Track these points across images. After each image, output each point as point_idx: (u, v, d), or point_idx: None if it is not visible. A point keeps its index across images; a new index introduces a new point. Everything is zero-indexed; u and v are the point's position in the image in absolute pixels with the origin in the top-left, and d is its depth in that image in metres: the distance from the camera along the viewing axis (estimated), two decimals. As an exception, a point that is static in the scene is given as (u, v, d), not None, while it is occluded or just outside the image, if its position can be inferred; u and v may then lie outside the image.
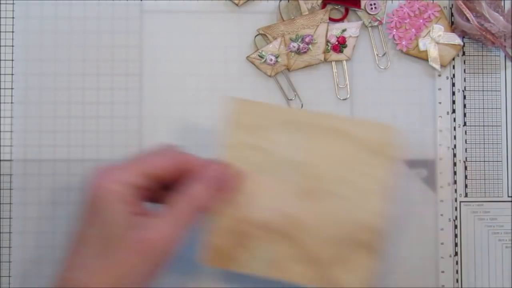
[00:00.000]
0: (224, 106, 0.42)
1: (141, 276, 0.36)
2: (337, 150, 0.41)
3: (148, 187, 0.38)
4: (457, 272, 0.50)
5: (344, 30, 0.50)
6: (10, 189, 0.49)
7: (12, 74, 0.49)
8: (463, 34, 0.50)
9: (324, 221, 0.41)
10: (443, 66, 0.50)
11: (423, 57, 0.50)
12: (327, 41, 0.50)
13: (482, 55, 0.51)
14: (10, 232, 0.49)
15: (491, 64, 0.51)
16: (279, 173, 0.41)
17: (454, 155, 0.51)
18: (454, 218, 0.50)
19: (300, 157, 0.41)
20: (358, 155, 0.41)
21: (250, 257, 0.41)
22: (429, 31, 0.50)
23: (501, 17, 0.48)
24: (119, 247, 0.36)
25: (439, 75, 0.51)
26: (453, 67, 0.51)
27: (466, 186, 0.50)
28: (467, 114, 0.51)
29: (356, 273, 0.41)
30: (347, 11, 0.50)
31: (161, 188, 0.40)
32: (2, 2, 0.50)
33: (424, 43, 0.50)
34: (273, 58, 0.49)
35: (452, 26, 0.50)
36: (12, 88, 0.49)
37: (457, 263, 0.50)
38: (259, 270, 0.41)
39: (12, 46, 0.49)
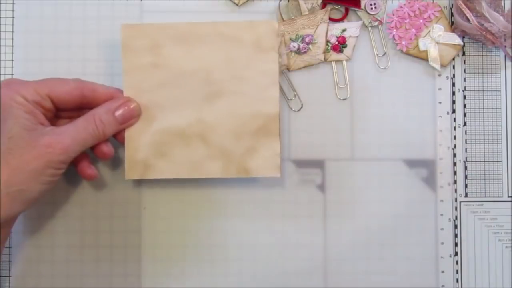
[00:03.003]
0: (120, 34, 0.44)
1: (34, 174, 0.40)
2: (230, 53, 0.45)
3: (50, 108, 0.43)
4: (457, 272, 0.50)
5: (344, 30, 0.50)
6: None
7: (12, 74, 0.49)
8: (463, 34, 0.50)
9: (230, 118, 0.45)
10: (443, 66, 0.50)
11: (423, 57, 0.50)
12: (327, 41, 0.50)
13: (482, 55, 0.51)
14: (10, 232, 0.49)
15: (491, 64, 0.51)
16: (182, 83, 0.45)
17: (454, 155, 0.51)
18: (454, 218, 0.50)
19: (198, 65, 0.45)
20: (250, 55, 0.45)
21: (169, 163, 0.45)
22: (429, 31, 0.50)
23: (501, 17, 0.48)
24: (19, 148, 0.40)
25: (439, 75, 0.51)
26: (453, 67, 0.51)
27: (466, 186, 0.50)
28: (467, 114, 0.51)
29: (265, 160, 0.45)
30: (347, 11, 0.50)
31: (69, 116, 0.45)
32: (2, 2, 0.50)
33: (424, 43, 0.50)
34: (273, 58, 0.49)
35: (452, 26, 0.50)
36: (12, 88, 0.49)
37: (457, 263, 0.50)
38: (179, 173, 0.46)
39: (12, 46, 0.49)
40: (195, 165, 0.45)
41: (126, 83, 0.45)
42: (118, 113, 0.44)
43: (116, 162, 0.49)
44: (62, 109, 0.44)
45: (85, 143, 0.43)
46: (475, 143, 0.51)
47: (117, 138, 0.46)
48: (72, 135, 0.42)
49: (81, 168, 0.45)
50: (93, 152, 0.45)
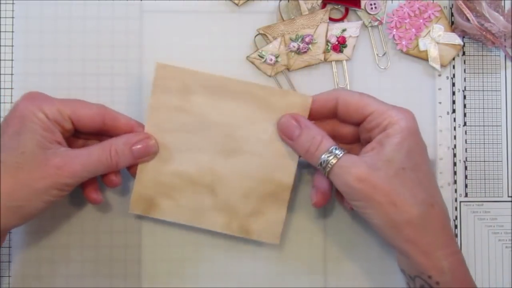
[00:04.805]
0: (154, 72, 0.44)
1: (39, 192, 0.40)
2: (257, 115, 0.44)
3: (69, 129, 0.43)
4: (457, 272, 0.50)
5: (344, 30, 0.50)
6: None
7: (12, 74, 0.49)
8: (463, 34, 0.50)
9: (243, 176, 0.45)
10: (443, 66, 0.50)
11: (423, 57, 0.50)
12: (327, 41, 0.50)
13: (482, 55, 0.51)
14: (10, 232, 0.48)
15: (491, 64, 0.51)
16: (203, 132, 0.45)
17: (454, 155, 0.51)
18: (454, 218, 0.50)
19: (223, 118, 0.45)
20: (275, 120, 0.44)
21: (174, 206, 0.45)
22: (429, 31, 0.50)
23: (501, 17, 0.48)
24: (29, 165, 0.40)
25: (439, 75, 0.51)
26: (453, 67, 0.51)
27: (466, 186, 0.50)
28: (467, 114, 0.51)
29: (268, 225, 0.45)
30: (347, 11, 0.50)
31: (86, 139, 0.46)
32: (2, 2, 0.50)
33: (424, 43, 0.50)
34: (273, 58, 0.49)
35: (452, 26, 0.50)
36: (12, 88, 0.49)
37: (457, 263, 0.50)
38: (181, 218, 0.46)
39: (12, 46, 0.49)
40: (198, 214, 0.45)
41: (149, 120, 0.44)
42: (136, 147, 0.43)
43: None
44: (81, 132, 0.44)
45: (95, 171, 0.42)
46: (475, 143, 0.51)
47: (129, 170, 0.45)
48: (84, 161, 0.41)
49: (87, 191, 0.45)
50: (101, 178, 0.45)
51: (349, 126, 0.45)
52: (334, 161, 0.41)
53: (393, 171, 0.40)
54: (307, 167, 0.49)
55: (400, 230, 0.40)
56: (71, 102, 0.43)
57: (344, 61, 0.50)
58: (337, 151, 0.41)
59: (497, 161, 0.51)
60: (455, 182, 0.50)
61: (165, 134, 0.45)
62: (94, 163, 0.42)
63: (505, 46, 0.49)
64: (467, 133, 0.51)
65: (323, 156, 0.41)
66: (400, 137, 0.41)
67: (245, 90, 0.44)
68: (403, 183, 0.40)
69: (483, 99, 0.51)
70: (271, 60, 0.49)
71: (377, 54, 0.50)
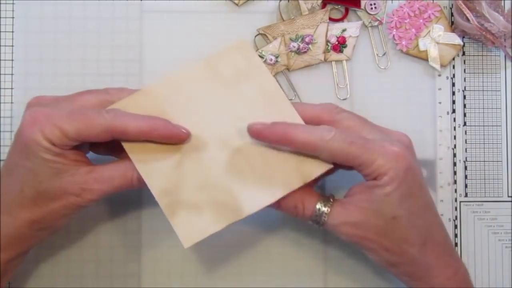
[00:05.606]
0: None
1: (61, 217, 0.41)
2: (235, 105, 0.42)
3: (78, 144, 0.40)
4: (457, 272, 0.50)
5: (344, 30, 0.50)
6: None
7: (12, 74, 0.49)
8: (463, 34, 0.50)
9: (215, 169, 0.41)
10: (443, 66, 0.50)
11: (423, 57, 0.50)
12: (327, 41, 0.50)
13: (482, 55, 0.51)
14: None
15: (491, 64, 0.51)
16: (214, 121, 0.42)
17: (454, 155, 0.51)
18: (454, 218, 0.50)
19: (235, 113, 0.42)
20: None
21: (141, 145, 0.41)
22: (429, 31, 0.50)
23: (501, 17, 0.48)
24: (49, 194, 0.39)
25: (439, 75, 0.51)
26: (453, 67, 0.51)
27: (466, 186, 0.50)
28: (467, 114, 0.51)
29: (194, 227, 0.40)
30: (347, 11, 0.50)
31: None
32: (2, 2, 0.50)
33: (424, 43, 0.50)
34: (273, 58, 0.49)
35: (452, 26, 0.50)
36: (12, 88, 0.49)
37: (457, 263, 0.50)
38: (139, 165, 0.41)
39: (12, 46, 0.49)
40: (151, 166, 0.41)
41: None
42: None
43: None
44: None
45: (113, 192, 0.41)
46: (475, 143, 0.51)
47: None
48: (104, 188, 0.40)
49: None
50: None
51: None
52: (325, 217, 0.40)
53: (382, 221, 0.40)
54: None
55: (397, 267, 0.41)
56: (75, 121, 0.39)
57: (344, 61, 0.50)
58: (324, 207, 0.41)
59: (497, 161, 0.51)
60: (455, 182, 0.50)
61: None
62: (114, 189, 0.41)
63: (505, 46, 0.49)
64: (467, 133, 0.51)
65: (311, 217, 0.41)
66: (390, 188, 0.39)
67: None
68: (393, 231, 0.40)
69: (483, 99, 0.51)
70: (271, 60, 0.49)
71: (377, 54, 0.50)
